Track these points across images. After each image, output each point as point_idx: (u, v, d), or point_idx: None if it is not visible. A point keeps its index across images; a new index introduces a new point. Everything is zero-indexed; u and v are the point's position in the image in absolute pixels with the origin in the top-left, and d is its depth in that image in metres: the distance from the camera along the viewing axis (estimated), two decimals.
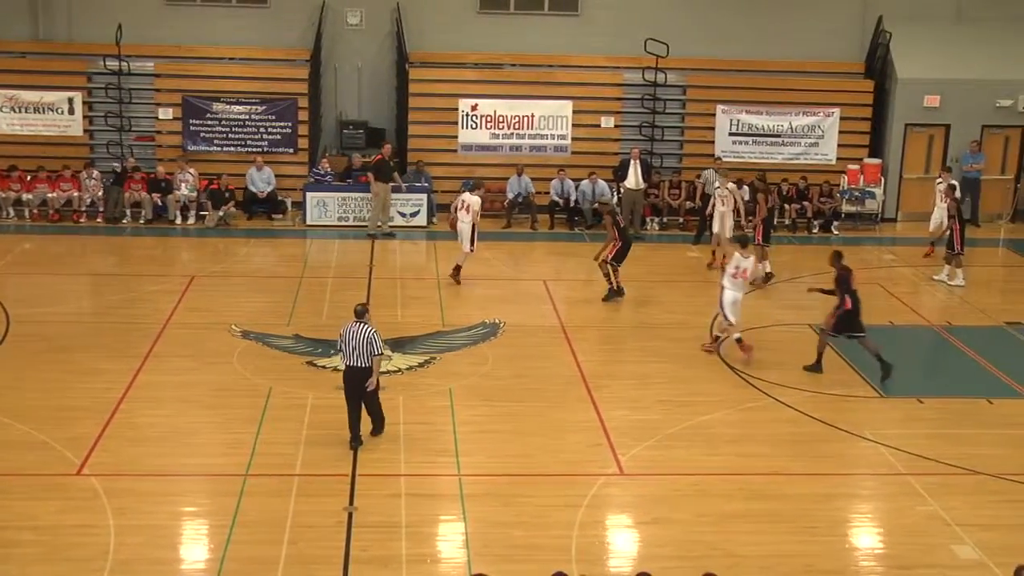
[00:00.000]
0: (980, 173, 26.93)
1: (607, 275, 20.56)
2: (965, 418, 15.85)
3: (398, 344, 17.52)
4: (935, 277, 22.21)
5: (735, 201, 22.92)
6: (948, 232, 22.15)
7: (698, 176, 26.41)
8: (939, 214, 23.80)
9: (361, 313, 14.19)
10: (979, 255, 22.80)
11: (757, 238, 22.08)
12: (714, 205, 23.30)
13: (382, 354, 14.27)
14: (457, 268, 21.39)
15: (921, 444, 14.79)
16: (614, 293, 20.45)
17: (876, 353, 16.91)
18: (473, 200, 21.37)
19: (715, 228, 23.07)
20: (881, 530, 12.98)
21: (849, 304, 16.93)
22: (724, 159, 26.46)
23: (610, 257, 20.44)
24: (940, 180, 24.33)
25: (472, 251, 21.38)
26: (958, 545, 12.35)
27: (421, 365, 17.11)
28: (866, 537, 12.88)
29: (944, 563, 12.04)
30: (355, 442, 14.14)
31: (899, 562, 12.06)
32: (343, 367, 14.34)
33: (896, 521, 13.02)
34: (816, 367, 17.27)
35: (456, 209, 21.63)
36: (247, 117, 26.26)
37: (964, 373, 17.99)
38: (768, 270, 22.07)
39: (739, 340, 17.65)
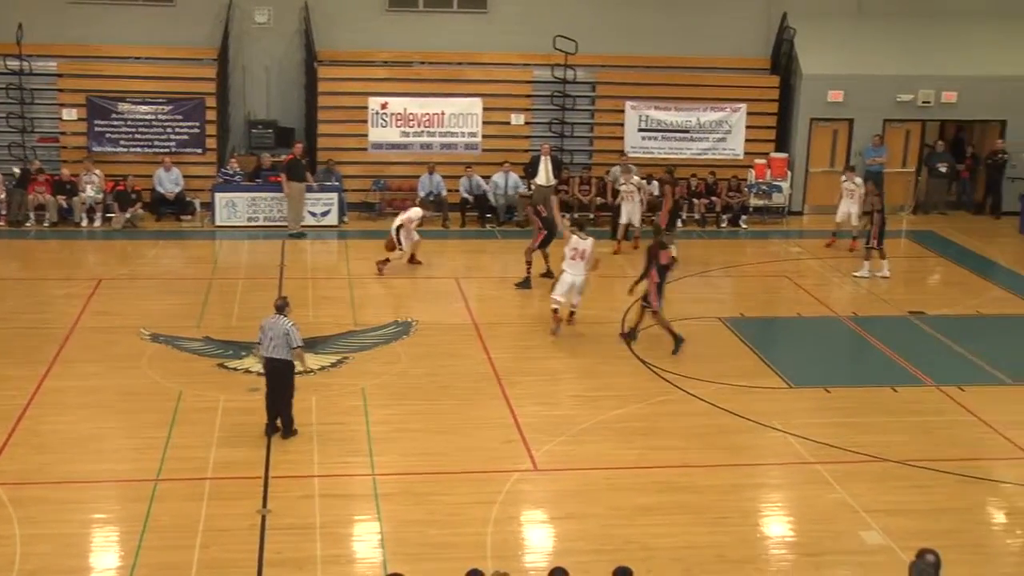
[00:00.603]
0: (883, 166, 27.45)
1: (528, 263, 21.09)
2: (871, 406, 16.16)
3: (311, 344, 17.34)
4: (877, 274, 22.55)
5: (641, 193, 23.76)
6: (868, 226, 22.60)
7: (607, 172, 26.59)
8: (846, 207, 24.56)
9: (281, 307, 14.33)
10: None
11: (661, 224, 22.60)
12: (622, 199, 24.04)
13: (301, 347, 14.24)
14: (386, 260, 21.83)
15: (829, 433, 15.07)
16: (526, 283, 21.06)
17: (634, 327, 18.29)
18: (412, 210, 22.18)
19: (623, 220, 24.00)
20: (791, 518, 13.19)
21: (656, 277, 17.85)
22: (633, 155, 26.66)
23: (535, 245, 20.99)
24: (845, 179, 24.93)
25: (400, 250, 21.85)
26: (865, 531, 12.61)
27: (334, 365, 17.04)
28: (776, 526, 13.09)
29: (852, 549, 12.29)
30: (270, 429, 14.28)
31: (808, 549, 12.28)
32: (261, 361, 14.55)
33: (805, 509, 13.25)
34: (677, 343, 17.92)
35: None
36: (154, 117, 25.88)
37: (870, 362, 18.36)
38: (673, 255, 22.67)
39: (555, 310, 18.56)
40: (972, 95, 27.74)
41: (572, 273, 18.55)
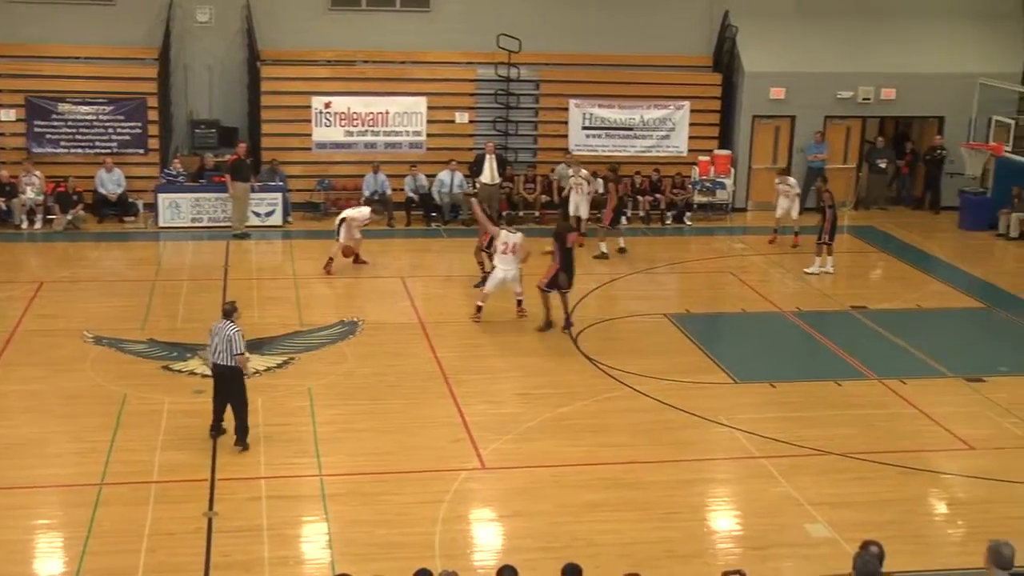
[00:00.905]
0: (824, 163, 27.69)
1: (481, 263, 21.04)
2: (815, 400, 16.34)
3: (256, 345, 17.26)
4: (822, 269, 22.73)
5: (589, 186, 24.13)
6: (821, 222, 22.80)
7: (552, 170, 26.66)
8: (785, 203, 24.97)
9: (228, 312, 14.17)
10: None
11: (605, 222, 23.50)
12: (570, 190, 24.47)
13: (243, 354, 14.11)
14: (330, 260, 21.86)
15: (774, 427, 15.22)
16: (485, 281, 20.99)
17: (567, 310, 18.74)
18: (361, 210, 22.29)
19: (572, 212, 24.37)
20: (738, 513, 13.33)
21: (559, 263, 18.41)
22: (577, 152, 26.71)
23: (484, 245, 20.95)
24: (779, 181, 25.31)
25: (337, 240, 21.79)
26: (810, 523, 12.75)
27: (280, 366, 16.95)
28: (723, 520, 13.21)
29: (798, 542, 12.42)
30: (215, 431, 14.15)
31: (755, 543, 12.40)
32: (209, 365, 14.46)
33: (751, 503, 13.39)
34: (546, 325, 18.71)
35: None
36: (95, 118, 25.57)
37: (814, 357, 18.58)
38: (622, 246, 23.70)
39: (479, 307, 19.18)
40: (911, 92, 28.06)
41: (504, 268, 18.97)
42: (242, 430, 14.09)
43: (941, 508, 13.63)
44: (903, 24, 28.30)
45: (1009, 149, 25.62)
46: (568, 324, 18.77)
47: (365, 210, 22.33)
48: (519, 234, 19.20)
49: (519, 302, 19.31)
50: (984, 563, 9.09)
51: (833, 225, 22.60)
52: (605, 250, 23.34)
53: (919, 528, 12.88)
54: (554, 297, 18.84)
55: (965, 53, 28.14)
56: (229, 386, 14.07)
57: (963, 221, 27.27)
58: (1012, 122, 25.67)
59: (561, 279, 18.64)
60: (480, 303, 19.20)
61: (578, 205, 24.26)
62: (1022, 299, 21.64)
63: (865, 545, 9.23)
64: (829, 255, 22.70)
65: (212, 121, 26.73)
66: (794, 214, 24.89)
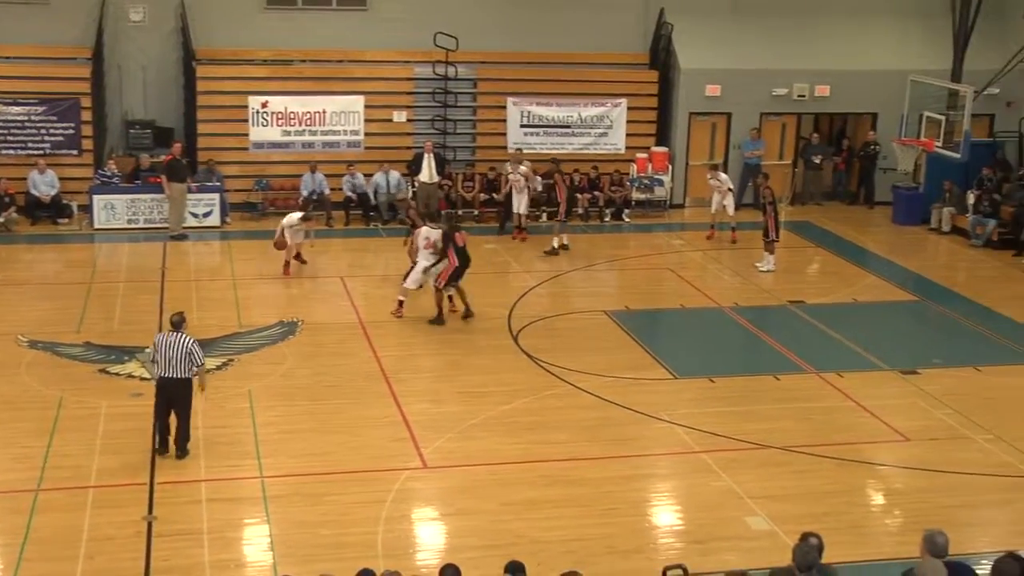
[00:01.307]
0: (760, 159, 27.97)
1: (415, 263, 21.01)
2: (754, 395, 16.48)
3: None
4: (756, 264, 22.97)
5: (528, 182, 24.31)
6: (764, 218, 22.98)
7: (491, 168, 26.64)
8: (718, 198, 25.12)
9: (178, 323, 13.75)
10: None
11: (560, 215, 23.81)
12: (511, 188, 24.63)
13: (203, 364, 13.91)
14: (286, 263, 21.82)
15: (714, 422, 15.33)
16: None
17: (465, 301, 19.24)
18: (291, 215, 21.98)
19: (515, 208, 24.64)
20: (678, 507, 13.42)
21: (456, 261, 18.75)
22: (516, 150, 26.73)
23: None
24: (711, 176, 25.49)
25: (287, 245, 21.69)
26: (751, 517, 12.86)
27: (219, 368, 16.79)
28: (664, 515, 13.31)
29: (738, 535, 12.52)
30: (162, 448, 13.86)
31: (695, 537, 12.49)
32: (154, 377, 14.08)
33: (692, 497, 13.48)
34: (438, 320, 19.05)
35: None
36: (26, 118, 25.19)
37: (752, 352, 18.74)
38: (564, 243, 23.83)
39: (400, 302, 19.32)
40: (844, 89, 28.38)
41: (425, 263, 19.11)
42: (184, 438, 13.88)
43: (878, 499, 13.83)
44: (836, 21, 28.62)
45: (940, 144, 25.96)
46: (468, 313, 19.19)
47: (294, 216, 22.01)
48: (439, 231, 19.28)
49: (450, 298, 19.33)
50: (920, 552, 9.23)
51: (775, 221, 22.77)
52: (556, 246, 23.39)
53: (857, 519, 13.04)
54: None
55: (897, 50, 28.52)
56: (178, 396, 13.75)
57: (896, 216, 27.64)
58: (942, 118, 25.99)
59: (457, 276, 18.93)
60: (401, 298, 19.28)
61: (519, 202, 24.42)
62: (954, 292, 22.00)
63: (805, 537, 9.34)
64: (765, 250, 22.88)
65: (147, 121, 26.44)
66: (730, 210, 25.07)
